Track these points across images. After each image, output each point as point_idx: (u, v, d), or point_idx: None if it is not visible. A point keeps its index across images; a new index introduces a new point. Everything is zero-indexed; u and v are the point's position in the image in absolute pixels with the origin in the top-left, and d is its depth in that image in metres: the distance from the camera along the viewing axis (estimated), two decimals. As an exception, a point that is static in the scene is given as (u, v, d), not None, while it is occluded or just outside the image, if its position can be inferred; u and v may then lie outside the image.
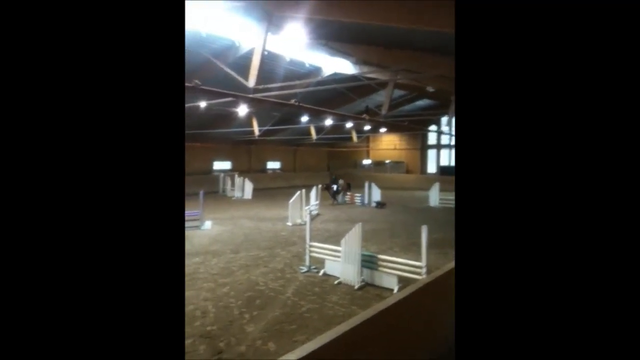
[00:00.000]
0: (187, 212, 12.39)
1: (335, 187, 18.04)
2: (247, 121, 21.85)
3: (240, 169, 27.37)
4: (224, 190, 22.41)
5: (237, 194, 20.71)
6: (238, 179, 21.06)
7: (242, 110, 19.47)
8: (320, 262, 7.23)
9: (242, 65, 12.33)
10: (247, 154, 29.78)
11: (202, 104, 15.11)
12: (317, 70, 17.28)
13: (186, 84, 7.94)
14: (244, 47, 13.38)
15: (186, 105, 15.71)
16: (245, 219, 13.79)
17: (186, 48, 14.21)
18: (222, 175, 23.60)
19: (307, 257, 7.41)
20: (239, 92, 10.05)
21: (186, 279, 6.84)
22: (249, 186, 20.34)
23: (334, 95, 21.66)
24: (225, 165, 28.44)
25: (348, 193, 18.17)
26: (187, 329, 4.70)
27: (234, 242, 9.90)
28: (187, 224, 12.01)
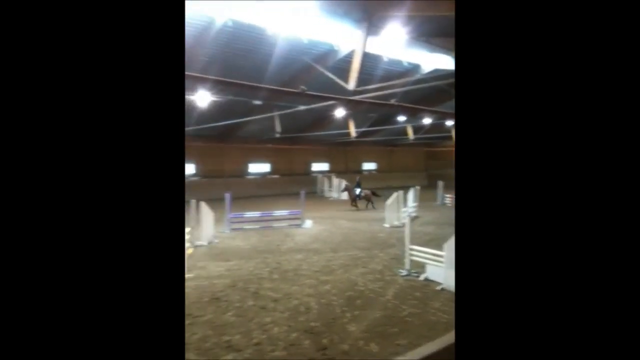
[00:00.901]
0: (290, 211, 13.01)
1: (358, 190, 17.11)
2: (344, 123, 22.19)
3: (337, 170, 27.91)
4: (321, 191, 23.06)
5: (334, 194, 21.15)
6: (335, 180, 21.49)
7: (339, 112, 19.81)
8: (421, 266, 7.02)
9: (341, 68, 12.55)
10: (343, 155, 30.24)
11: (301, 108, 15.73)
12: (415, 68, 16.83)
13: (292, 89, 8.31)
14: (343, 51, 13.61)
15: (289, 110, 16.51)
16: (342, 219, 14.01)
17: (288, 55, 14.97)
18: (319, 176, 24.31)
19: (406, 261, 7.26)
20: (339, 95, 10.25)
21: (290, 274, 7.19)
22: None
23: (433, 92, 20.86)
24: (323, 166, 29.25)
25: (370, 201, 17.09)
26: (292, 323, 4.93)
27: (333, 241, 10.11)
28: (289, 222, 12.61)
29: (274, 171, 29.21)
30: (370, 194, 17.11)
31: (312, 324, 4.95)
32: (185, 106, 19.98)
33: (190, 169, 26.45)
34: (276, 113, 19.08)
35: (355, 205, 16.91)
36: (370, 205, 16.95)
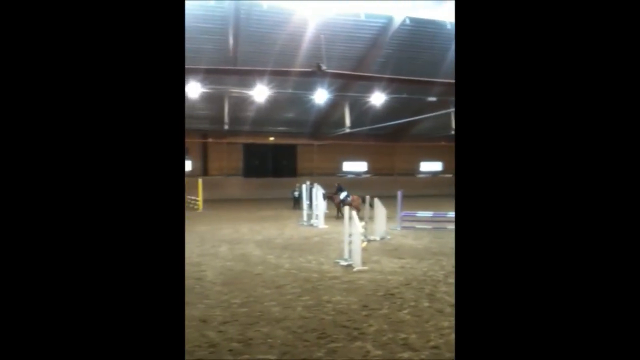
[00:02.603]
0: (438, 213, 12.15)
1: (343, 195, 14.84)
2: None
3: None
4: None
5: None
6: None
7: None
8: None
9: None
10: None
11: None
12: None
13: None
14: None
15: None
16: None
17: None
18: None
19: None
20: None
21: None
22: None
23: None
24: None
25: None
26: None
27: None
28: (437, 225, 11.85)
29: (445, 170, 27.97)
30: (359, 200, 14.02)
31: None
32: (360, 106, 20.98)
33: (362, 166, 27.55)
34: (452, 109, 18.19)
35: (341, 212, 13.24)
36: (340, 214, 13.57)
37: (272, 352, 4.02)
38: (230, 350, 4.04)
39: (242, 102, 20.91)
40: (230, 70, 15.45)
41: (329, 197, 15.09)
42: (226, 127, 22.14)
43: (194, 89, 16.93)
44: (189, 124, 23.33)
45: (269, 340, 4.30)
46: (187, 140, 25.41)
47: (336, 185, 16.39)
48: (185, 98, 18.52)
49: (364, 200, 13.04)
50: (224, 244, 10.03)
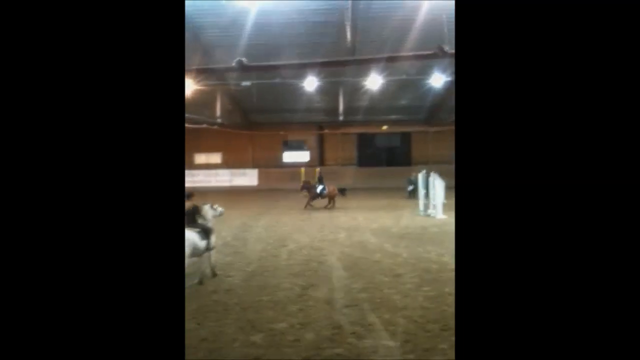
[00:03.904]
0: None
1: (320, 187, 14.81)
2: None
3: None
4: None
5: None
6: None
7: None
8: None
9: None
10: None
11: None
12: None
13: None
14: None
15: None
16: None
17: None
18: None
19: None
20: None
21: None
22: None
23: None
24: None
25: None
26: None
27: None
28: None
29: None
30: (337, 192, 14.83)
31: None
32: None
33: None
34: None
35: (310, 204, 14.62)
36: (331, 204, 14.64)
37: (394, 338, 4.08)
38: (352, 333, 4.21)
39: (355, 92, 21.15)
40: (348, 61, 15.69)
41: (306, 189, 15.16)
42: (341, 117, 22.66)
43: (310, 83, 17.67)
44: (305, 117, 24.54)
45: (391, 327, 4.36)
46: (304, 132, 26.83)
47: (318, 175, 16.25)
48: (302, 92, 19.49)
49: (342, 192, 14.89)
50: (342, 230, 10.38)
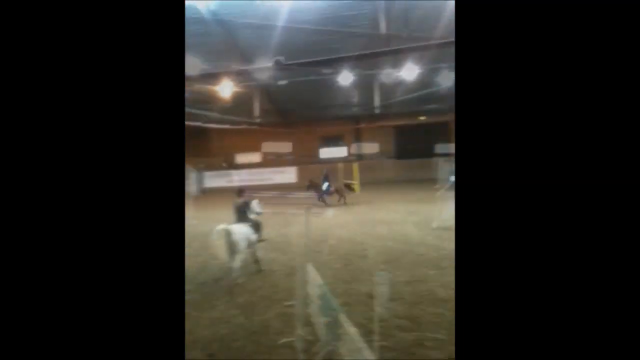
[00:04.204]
0: None
1: (325, 185, 14.56)
2: None
3: None
4: None
5: None
6: None
7: None
8: None
9: None
10: None
11: None
12: None
13: None
14: None
15: None
16: None
17: None
18: None
19: None
20: None
21: None
22: None
23: None
24: None
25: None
26: None
27: None
28: None
29: None
30: (343, 188, 14.91)
31: None
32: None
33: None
34: None
35: (324, 201, 14.41)
36: (342, 200, 14.50)
37: (440, 331, 4.05)
38: (397, 326, 4.22)
39: (391, 84, 20.86)
40: (383, 52, 15.50)
41: (312, 188, 14.81)
42: (377, 110, 22.42)
43: (346, 78, 17.60)
44: (341, 112, 24.48)
45: (436, 319, 4.33)
46: (340, 127, 26.78)
47: (324, 173, 15.50)
48: (337, 87, 19.45)
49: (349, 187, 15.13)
50: (383, 224, 10.34)
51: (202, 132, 23.47)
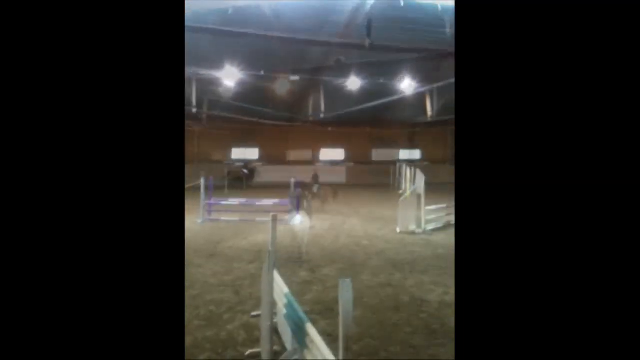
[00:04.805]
0: None
1: (316, 187, 14.55)
2: None
3: None
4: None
5: None
6: None
7: None
8: None
9: None
10: None
11: None
12: None
13: None
14: None
15: None
16: None
17: None
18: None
19: None
20: None
21: None
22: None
23: None
24: None
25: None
26: None
27: None
28: None
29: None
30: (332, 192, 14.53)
31: None
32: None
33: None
34: None
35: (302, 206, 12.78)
36: (322, 203, 13.75)
37: (414, 337, 4.13)
38: (363, 333, 4.20)
39: (451, 88, 20.30)
40: (448, 53, 15.15)
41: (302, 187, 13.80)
42: (432, 115, 21.93)
43: (406, 84, 17.45)
44: (397, 115, 24.18)
45: (402, 324, 4.42)
46: (392, 132, 26.45)
47: (313, 174, 15.02)
48: (394, 90, 19.26)
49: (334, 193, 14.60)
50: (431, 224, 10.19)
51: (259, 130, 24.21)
